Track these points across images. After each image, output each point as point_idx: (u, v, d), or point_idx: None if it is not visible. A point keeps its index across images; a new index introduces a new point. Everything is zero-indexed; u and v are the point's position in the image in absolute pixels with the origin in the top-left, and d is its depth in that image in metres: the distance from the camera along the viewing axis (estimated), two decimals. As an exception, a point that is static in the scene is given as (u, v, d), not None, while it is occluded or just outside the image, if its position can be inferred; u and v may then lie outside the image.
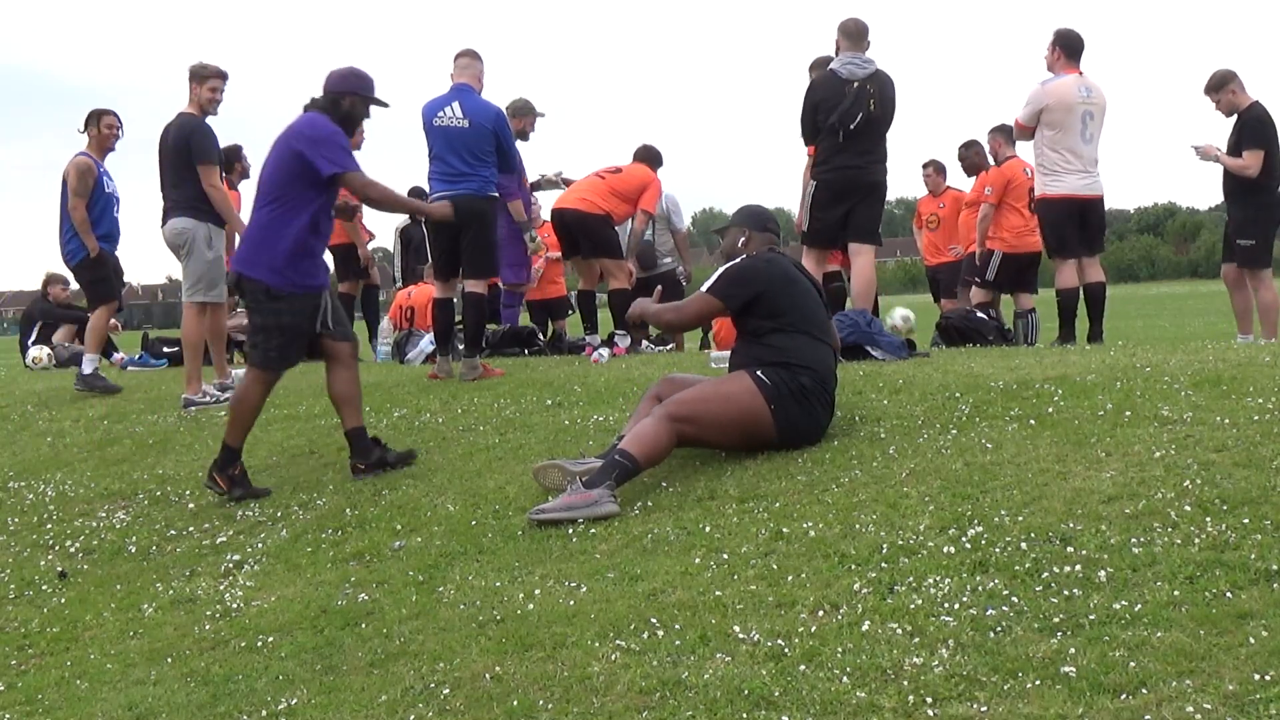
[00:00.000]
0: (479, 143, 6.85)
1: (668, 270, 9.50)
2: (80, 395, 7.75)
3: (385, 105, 5.31)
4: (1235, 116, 7.47)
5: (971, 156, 9.69)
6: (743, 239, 4.69)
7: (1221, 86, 7.46)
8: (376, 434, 5.61)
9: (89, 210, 7.46)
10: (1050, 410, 4.21)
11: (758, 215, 4.84)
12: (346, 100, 5.13)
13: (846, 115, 6.64)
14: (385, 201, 5.35)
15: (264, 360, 4.96)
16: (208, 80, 6.96)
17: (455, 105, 6.94)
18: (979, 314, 8.28)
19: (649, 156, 8.82)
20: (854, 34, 6.81)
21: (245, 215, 9.70)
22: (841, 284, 8.05)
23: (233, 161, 8.62)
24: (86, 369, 7.84)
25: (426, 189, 7.17)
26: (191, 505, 4.99)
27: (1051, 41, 7.34)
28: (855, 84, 6.66)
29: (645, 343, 8.60)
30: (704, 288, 4.53)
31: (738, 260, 4.55)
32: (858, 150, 6.71)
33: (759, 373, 4.24)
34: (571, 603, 3.16)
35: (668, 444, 4.12)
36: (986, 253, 8.97)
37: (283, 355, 4.96)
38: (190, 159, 6.80)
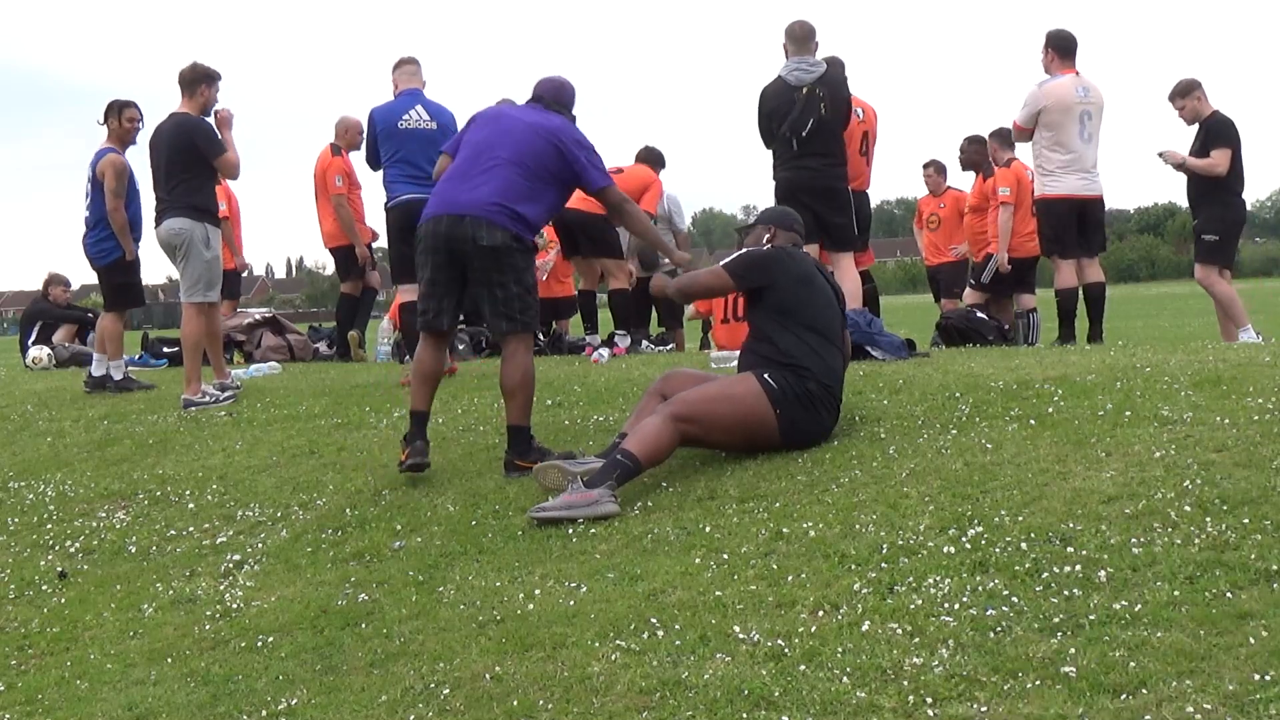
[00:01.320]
0: (441, 141, 6.77)
1: (669, 270, 9.50)
2: (81, 395, 7.74)
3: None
4: (1197, 125, 7.51)
5: (972, 153, 9.66)
6: (768, 235, 4.71)
7: (1187, 94, 7.50)
8: (378, 434, 5.63)
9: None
10: (1050, 410, 4.21)
11: (785, 215, 4.90)
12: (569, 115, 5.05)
13: (797, 123, 6.63)
14: (639, 224, 5.16)
15: (534, 319, 4.76)
16: (215, 82, 6.98)
17: (420, 109, 7.10)
18: (979, 314, 8.29)
19: (650, 158, 8.83)
20: (799, 37, 6.78)
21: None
22: (873, 285, 8.05)
23: None
24: (116, 375, 7.81)
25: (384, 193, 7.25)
26: (191, 505, 4.99)
27: (1044, 44, 7.34)
28: (804, 90, 6.64)
29: (645, 343, 8.60)
30: (721, 263, 4.57)
31: (762, 248, 4.58)
32: (812, 153, 6.69)
33: (766, 375, 4.23)
34: (571, 603, 3.16)
35: (670, 444, 4.12)
36: (987, 256, 8.97)
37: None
38: (190, 158, 6.78)
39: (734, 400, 4.22)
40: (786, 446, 4.25)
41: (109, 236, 7.45)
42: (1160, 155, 7.58)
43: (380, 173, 7.33)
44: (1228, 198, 7.50)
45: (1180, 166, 7.47)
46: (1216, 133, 7.38)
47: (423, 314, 4.81)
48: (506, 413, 4.69)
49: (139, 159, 7.70)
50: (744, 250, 4.58)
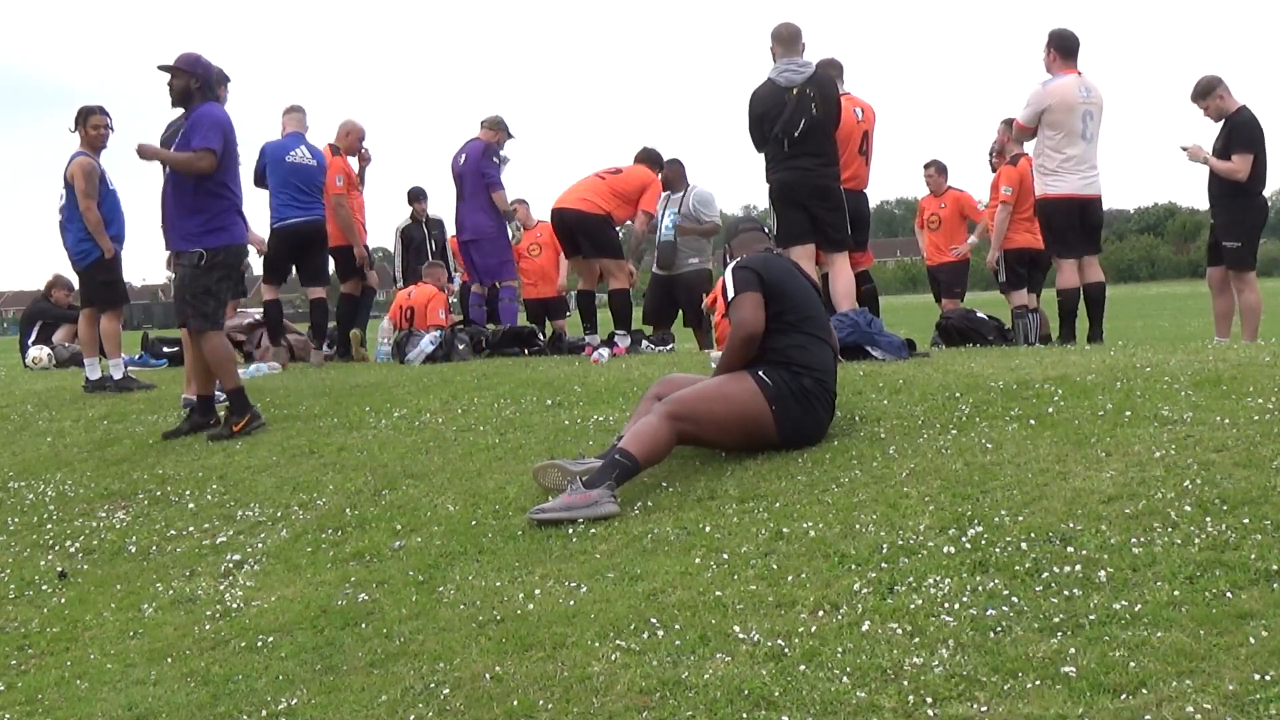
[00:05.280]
0: (320, 177, 8.80)
1: (691, 270, 9.35)
2: (81, 395, 7.75)
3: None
4: (1224, 123, 7.48)
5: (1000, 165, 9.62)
6: (727, 256, 4.77)
7: (1209, 93, 7.46)
8: (378, 434, 5.63)
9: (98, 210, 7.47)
10: (1050, 410, 4.21)
11: (730, 231, 4.95)
12: None
13: (789, 124, 6.63)
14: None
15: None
16: (227, 84, 6.99)
17: (303, 148, 8.73)
18: (979, 314, 8.29)
19: (650, 158, 8.83)
20: (787, 39, 6.80)
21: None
22: (873, 285, 8.05)
23: None
24: (116, 374, 7.82)
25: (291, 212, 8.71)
26: (191, 505, 4.99)
27: (1046, 43, 7.34)
28: (794, 90, 6.65)
29: (645, 342, 8.60)
30: (729, 295, 4.43)
31: (740, 260, 4.57)
32: (805, 153, 6.70)
33: (761, 373, 4.24)
34: (571, 603, 3.16)
35: (668, 443, 4.12)
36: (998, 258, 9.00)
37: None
38: None
39: (730, 399, 4.22)
40: (784, 443, 4.25)
41: (86, 238, 7.50)
42: (1184, 149, 7.56)
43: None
44: (1246, 200, 7.45)
45: (1204, 163, 7.46)
46: (1239, 135, 7.33)
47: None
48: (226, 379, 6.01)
49: (113, 162, 7.78)
50: (727, 272, 4.51)
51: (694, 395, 4.25)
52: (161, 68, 6.03)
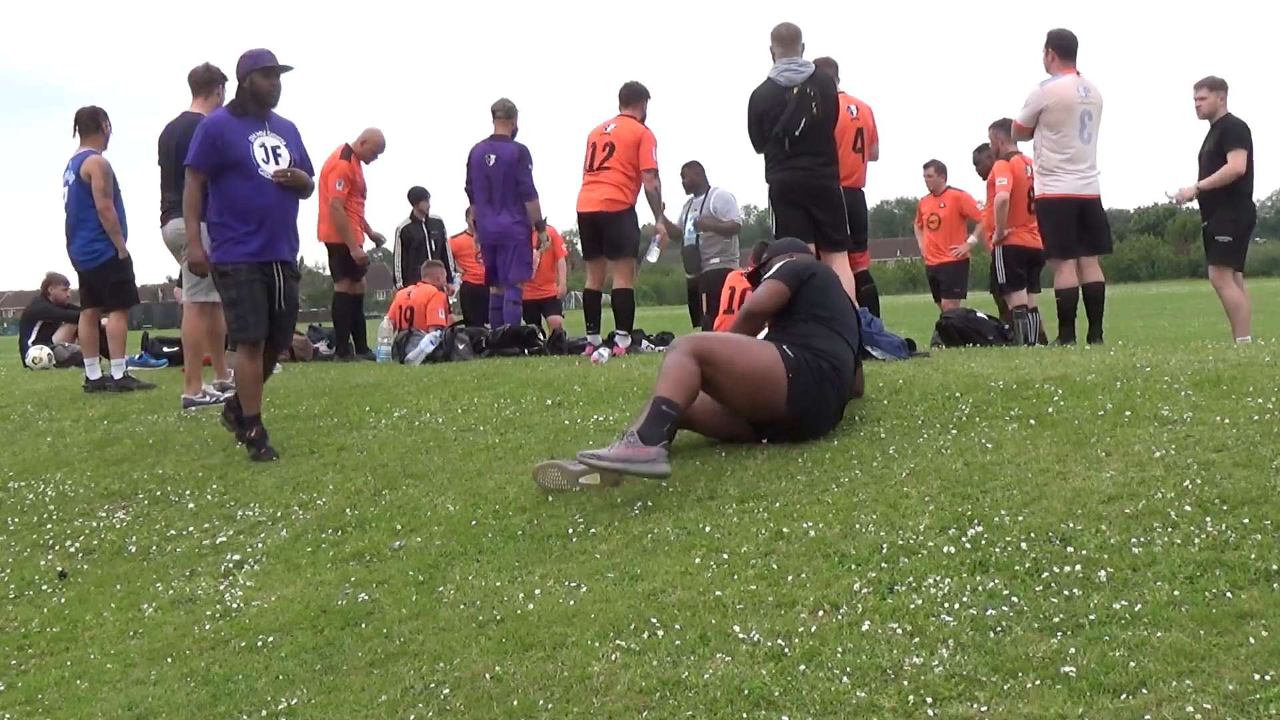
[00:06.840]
0: None
1: (715, 270, 9.35)
2: (81, 395, 7.75)
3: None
4: (1210, 126, 7.57)
5: (984, 160, 9.65)
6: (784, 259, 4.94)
7: (1216, 88, 7.57)
8: (378, 434, 5.64)
9: None
10: (1050, 410, 4.22)
11: (795, 243, 5.23)
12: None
13: (790, 123, 6.65)
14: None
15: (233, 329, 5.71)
16: (227, 83, 7.01)
17: None
18: (979, 314, 8.29)
19: (633, 95, 8.34)
20: (787, 39, 6.82)
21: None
22: (872, 285, 8.06)
23: None
24: (117, 374, 7.83)
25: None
26: (191, 505, 4.99)
27: (1045, 43, 7.35)
28: (795, 90, 6.67)
29: (645, 342, 8.59)
30: (767, 275, 4.72)
31: (791, 256, 4.89)
32: (805, 153, 6.72)
33: (784, 347, 4.36)
34: (571, 603, 3.16)
35: (696, 380, 4.13)
36: (991, 255, 9.01)
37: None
38: None
39: (752, 353, 4.30)
40: (789, 415, 4.28)
41: (99, 238, 7.46)
42: (1169, 196, 7.78)
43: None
44: (1239, 199, 7.55)
45: (1195, 195, 7.58)
46: (1233, 134, 7.43)
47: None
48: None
49: (124, 160, 7.76)
50: (780, 263, 4.79)
51: (719, 339, 4.37)
52: (283, 69, 5.65)
